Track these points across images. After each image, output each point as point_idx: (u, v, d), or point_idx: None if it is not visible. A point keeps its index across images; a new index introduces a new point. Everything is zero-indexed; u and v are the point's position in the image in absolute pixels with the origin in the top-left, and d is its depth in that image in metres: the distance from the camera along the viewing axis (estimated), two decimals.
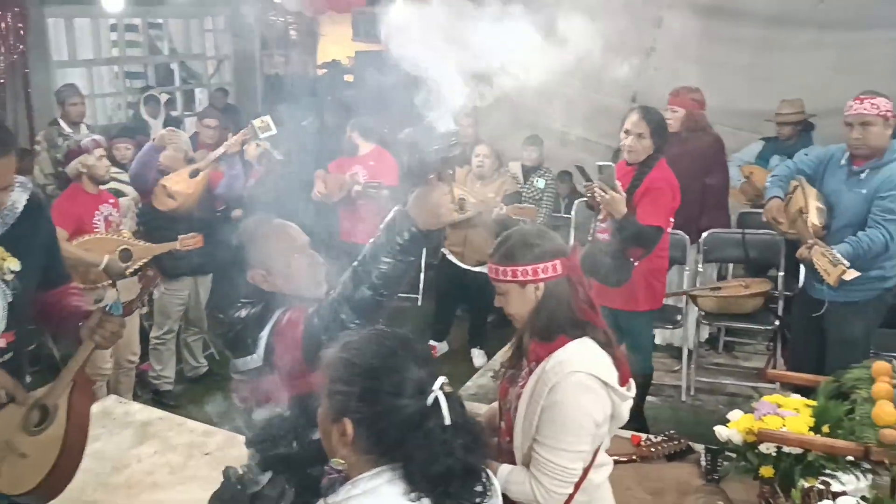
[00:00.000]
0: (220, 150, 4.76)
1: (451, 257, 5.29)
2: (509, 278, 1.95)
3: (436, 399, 1.30)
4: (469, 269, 5.11)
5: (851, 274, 3.24)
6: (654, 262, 3.70)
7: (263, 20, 11.12)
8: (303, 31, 14.39)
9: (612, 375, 1.91)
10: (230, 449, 3.09)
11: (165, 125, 6.77)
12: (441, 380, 1.33)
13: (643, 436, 3.34)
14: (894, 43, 5.77)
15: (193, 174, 4.65)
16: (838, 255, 3.26)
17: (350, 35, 14.52)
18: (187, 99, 9.74)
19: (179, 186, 4.56)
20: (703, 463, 3.03)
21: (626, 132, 3.63)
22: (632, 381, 2.00)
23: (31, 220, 2.13)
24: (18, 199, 2.10)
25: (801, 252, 3.43)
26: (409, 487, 1.28)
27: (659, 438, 3.25)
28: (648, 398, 4.16)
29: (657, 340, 4.78)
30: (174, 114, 8.77)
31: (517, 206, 4.89)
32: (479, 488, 1.33)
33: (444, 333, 5.48)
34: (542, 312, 1.94)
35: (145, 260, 4.23)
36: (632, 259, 3.57)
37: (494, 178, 5.15)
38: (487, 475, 1.37)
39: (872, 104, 3.34)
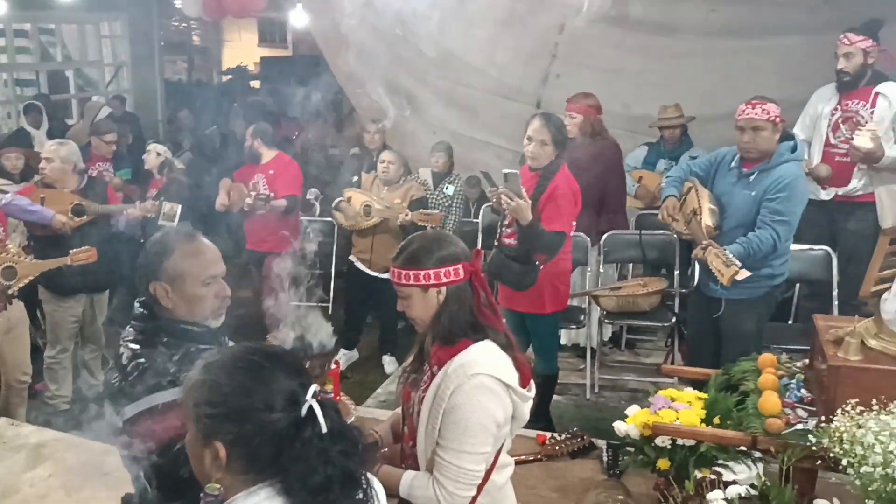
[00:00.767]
0: (118, 212, 4.84)
1: (358, 264, 5.27)
2: (412, 282, 1.96)
3: (310, 408, 1.28)
4: (377, 276, 5.09)
5: (743, 274, 3.37)
6: (558, 266, 3.78)
7: (164, 25, 10.84)
8: (206, 36, 14.13)
9: (512, 377, 1.94)
10: None
11: (50, 135, 6.49)
12: (313, 388, 1.31)
13: (548, 435, 3.40)
14: (780, 50, 6.07)
15: (78, 212, 4.51)
16: (731, 256, 3.38)
17: (256, 41, 14.35)
18: (83, 107, 9.36)
19: (66, 219, 4.45)
20: (605, 458, 3.11)
21: (529, 139, 3.70)
22: (532, 382, 2.03)
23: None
24: None
25: (697, 253, 3.55)
26: (288, 501, 1.26)
27: (563, 436, 3.31)
28: (555, 397, 4.24)
29: (562, 340, 4.88)
30: (70, 122, 8.44)
31: (423, 212, 4.91)
32: (359, 495, 1.32)
33: (355, 341, 5.45)
34: (444, 316, 1.95)
35: (31, 277, 4.05)
36: (537, 263, 3.64)
37: (401, 185, 5.16)
38: (368, 480, 1.36)
39: (763, 109, 3.48)
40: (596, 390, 4.71)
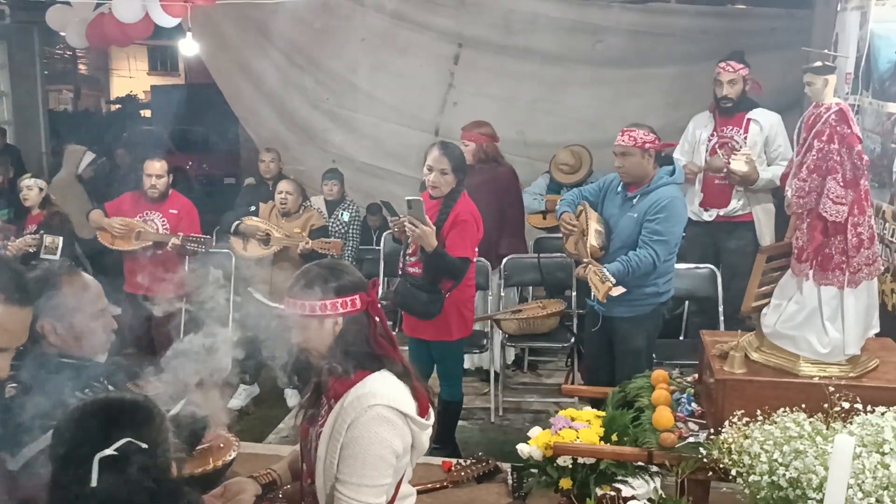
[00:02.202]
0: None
1: (257, 295, 5.14)
2: (307, 312, 1.93)
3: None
4: (277, 307, 4.99)
5: (618, 290, 3.56)
6: (463, 292, 3.83)
7: (48, 54, 10.41)
8: (93, 65, 13.65)
9: (410, 406, 1.93)
10: None
11: None
12: (122, 441, 1.37)
13: (454, 461, 3.40)
14: (662, 79, 6.38)
15: None
16: (607, 273, 3.56)
17: (146, 69, 13.97)
18: None
19: None
20: (510, 481, 3.13)
21: (429, 168, 3.74)
22: (431, 411, 2.03)
23: None
24: None
25: (578, 271, 3.72)
26: None
27: (468, 462, 3.32)
28: (460, 422, 4.26)
29: (466, 365, 4.91)
30: None
31: (323, 241, 4.87)
32: None
33: (256, 375, 5.32)
34: (340, 347, 1.94)
35: None
36: (443, 291, 3.67)
37: (300, 214, 5.10)
38: None
39: (630, 136, 3.68)
40: (500, 413, 4.75)
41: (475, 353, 4.77)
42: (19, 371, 1.89)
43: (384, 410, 1.87)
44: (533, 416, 4.62)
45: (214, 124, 8.39)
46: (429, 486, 3.09)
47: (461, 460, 3.39)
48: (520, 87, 6.68)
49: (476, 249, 3.82)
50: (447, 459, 3.50)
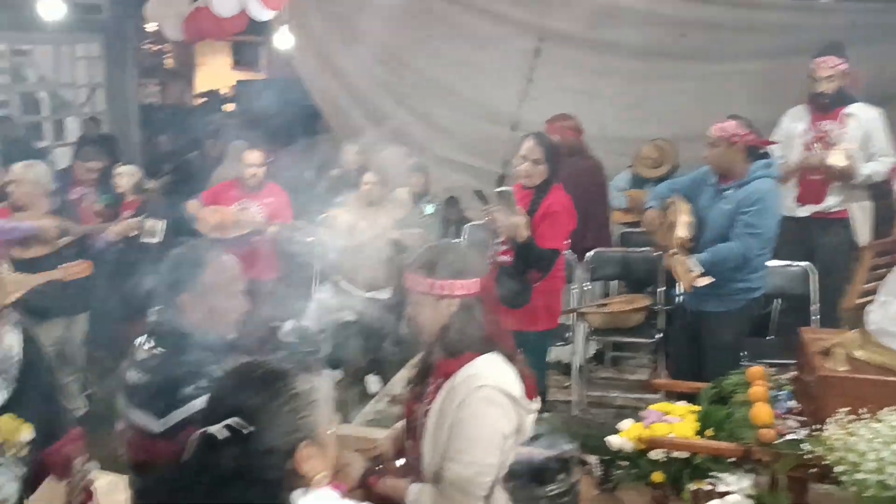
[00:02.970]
0: (99, 231, 4.84)
1: (343, 284, 5.26)
2: (425, 290, 1.97)
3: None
4: (361, 295, 5.09)
5: (703, 280, 3.52)
6: (551, 283, 3.81)
7: (139, 48, 10.80)
8: (179, 60, 14.07)
9: (518, 389, 1.96)
10: (116, 494, 2.95)
11: (5, 159, 6.34)
12: (232, 420, 1.36)
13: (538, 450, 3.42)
14: (748, 74, 6.23)
15: (61, 235, 4.49)
16: (693, 263, 3.55)
17: (230, 64, 14.32)
18: (56, 128, 9.26)
19: (50, 224, 4.41)
20: (597, 473, 3.14)
21: (523, 157, 3.75)
22: (537, 396, 2.05)
23: (31, 363, 1.66)
24: (12, 341, 1.62)
25: (666, 260, 3.70)
26: None
27: (554, 452, 3.33)
28: (541, 414, 4.26)
29: (548, 358, 4.91)
30: (42, 145, 8.33)
31: (407, 231, 4.94)
32: None
33: (338, 361, 5.42)
34: (453, 328, 1.96)
35: (19, 294, 3.94)
36: (531, 281, 3.68)
37: (384, 204, 5.17)
38: None
39: (720, 128, 3.66)
40: (583, 406, 4.74)
41: (558, 345, 4.76)
42: (162, 340, 2.02)
43: (493, 392, 1.90)
44: (616, 411, 4.58)
45: (295, 118, 8.56)
46: None
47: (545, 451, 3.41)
48: (601, 81, 6.62)
49: (567, 241, 3.81)
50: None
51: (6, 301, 3.83)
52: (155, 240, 4.95)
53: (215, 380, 1.92)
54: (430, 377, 2.06)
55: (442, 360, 2.00)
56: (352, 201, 5.26)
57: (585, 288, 4.94)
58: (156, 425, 1.98)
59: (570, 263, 4.71)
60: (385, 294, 5.11)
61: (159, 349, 2.03)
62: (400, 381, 4.62)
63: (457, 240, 5.38)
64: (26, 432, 1.57)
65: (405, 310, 2.08)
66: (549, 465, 2.17)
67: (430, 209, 5.50)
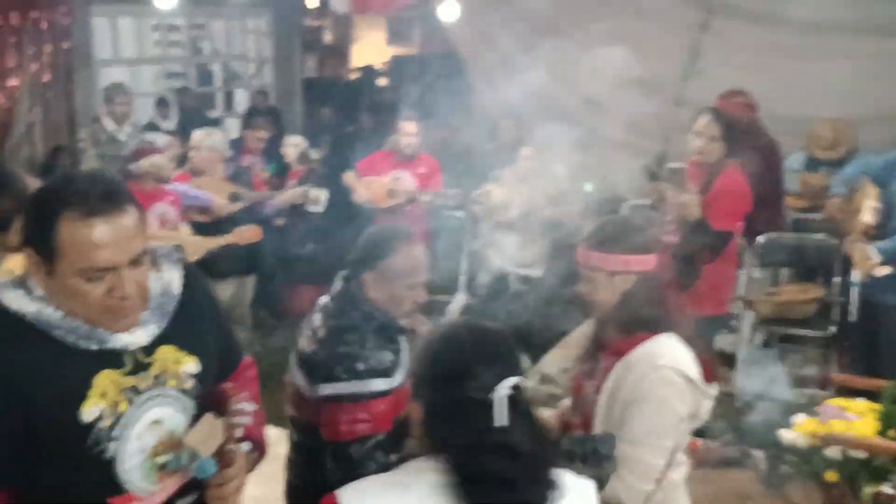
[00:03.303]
0: (268, 199, 5.05)
1: (496, 259, 5.27)
2: (599, 266, 1.92)
3: (497, 398, 1.30)
4: (514, 270, 5.09)
5: (883, 270, 3.26)
6: (721, 267, 3.63)
7: (302, 24, 11.22)
8: (337, 34, 14.52)
9: (696, 372, 1.88)
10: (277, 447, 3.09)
11: (182, 127, 6.76)
12: (510, 381, 1.31)
13: (699, 440, 3.31)
14: None
15: (233, 199, 4.74)
16: (873, 251, 3.30)
17: (385, 39, 14.63)
18: (227, 100, 9.82)
19: (225, 202, 4.69)
20: (763, 469, 3.01)
21: (697, 134, 3.59)
22: (714, 381, 1.97)
23: (194, 301, 1.61)
24: (171, 277, 1.58)
25: (846, 245, 3.47)
26: (447, 479, 1.29)
27: (716, 444, 3.23)
28: None
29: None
30: (214, 115, 8.86)
31: (564, 210, 4.89)
32: (525, 495, 1.30)
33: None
34: (629, 305, 1.91)
35: (198, 256, 4.20)
36: (700, 263, 3.53)
37: (541, 181, 5.12)
38: (548, 489, 1.33)
39: None
40: (745, 399, 4.53)
41: (722, 332, 4.56)
42: (337, 311, 2.11)
43: (671, 373, 1.84)
44: (782, 405, 4.35)
45: (447, 93, 8.64)
46: None
47: (708, 441, 3.30)
48: (771, 57, 6.24)
49: (740, 224, 3.62)
50: (692, 438, 3.41)
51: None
52: (318, 209, 5.17)
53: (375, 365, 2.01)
54: (601, 354, 2.01)
55: (616, 337, 1.94)
56: (507, 176, 5.25)
57: (754, 275, 4.69)
58: (308, 391, 2.08)
59: (741, 247, 4.48)
60: (537, 271, 5.08)
61: (332, 321, 2.09)
62: (552, 359, 4.58)
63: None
64: (189, 364, 1.56)
65: (557, 286, 2.05)
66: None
67: (588, 187, 5.40)
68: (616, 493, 1.84)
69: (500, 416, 1.28)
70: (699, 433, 3.75)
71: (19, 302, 1.41)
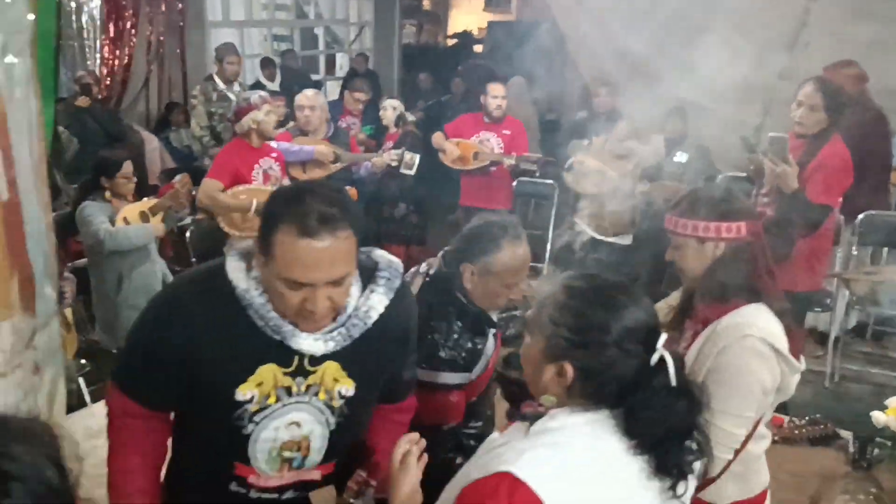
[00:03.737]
0: (368, 161, 5.17)
1: (582, 226, 5.25)
2: (689, 232, 1.91)
3: (661, 358, 1.29)
4: (602, 239, 5.07)
5: None
6: (817, 242, 3.53)
7: None
8: (435, 1, 14.55)
9: (784, 344, 1.85)
10: None
11: (286, 88, 6.94)
12: (664, 337, 1.31)
13: (786, 418, 3.27)
14: None
15: (334, 159, 4.89)
16: None
17: (482, 5, 14.56)
18: (329, 62, 10.03)
19: (327, 150, 4.84)
20: (851, 450, 2.95)
21: (799, 103, 3.48)
22: (802, 356, 1.93)
23: (386, 333, 1.62)
24: (376, 304, 1.60)
25: None
26: (627, 438, 1.28)
27: (803, 421, 3.18)
28: None
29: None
30: (316, 77, 9.07)
31: (661, 184, 4.82)
32: (692, 455, 1.32)
33: None
34: (718, 273, 1.89)
35: None
36: (795, 237, 3.44)
37: (635, 152, 5.06)
38: (700, 439, 1.34)
39: None
40: (836, 379, 4.42)
41: (815, 311, 4.45)
42: (430, 291, 2.16)
43: (758, 343, 1.82)
44: (875, 388, 4.22)
45: (542, 59, 8.56)
46: None
47: (794, 419, 3.26)
48: (886, 28, 5.91)
49: (840, 199, 3.49)
50: (777, 415, 3.37)
51: None
52: (411, 172, 5.28)
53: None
54: (688, 322, 2.00)
55: (704, 305, 1.93)
56: (600, 146, 5.20)
57: (853, 252, 4.54)
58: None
59: (837, 224, 4.34)
60: (626, 240, 5.05)
61: (422, 302, 2.06)
62: None
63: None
64: (345, 386, 1.65)
65: (647, 256, 2.04)
66: None
67: (681, 157, 5.30)
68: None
69: (673, 377, 1.28)
70: (786, 410, 3.72)
71: (237, 274, 1.54)
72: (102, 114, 6.39)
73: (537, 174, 6.33)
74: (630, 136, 5.10)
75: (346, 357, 1.59)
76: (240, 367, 1.55)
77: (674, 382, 1.28)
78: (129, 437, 1.65)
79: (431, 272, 2.23)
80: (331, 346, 1.56)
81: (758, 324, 1.84)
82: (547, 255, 6.29)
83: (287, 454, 1.63)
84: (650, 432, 1.27)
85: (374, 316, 1.59)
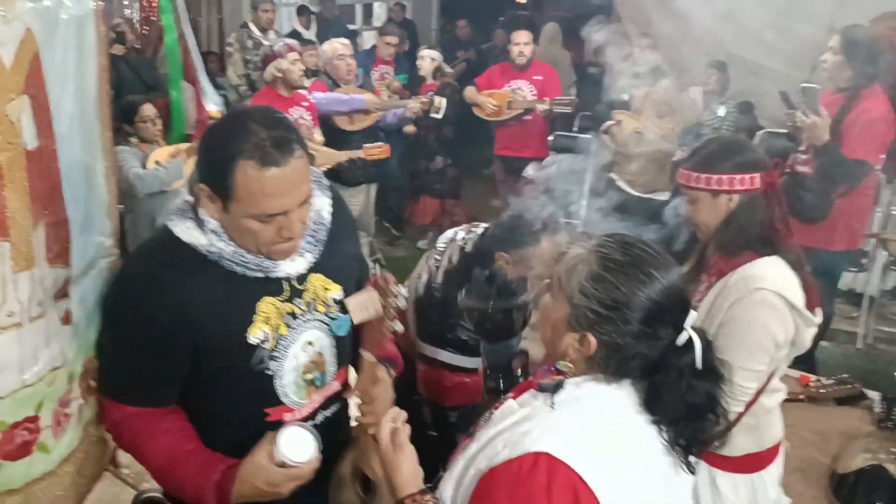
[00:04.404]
0: (401, 108, 5.06)
1: (620, 182, 5.19)
2: (702, 186, 1.88)
3: (689, 339, 1.26)
4: (640, 195, 5.00)
5: None
6: (856, 201, 3.40)
7: None
8: None
9: (798, 297, 1.82)
10: None
11: (322, 37, 6.89)
12: (692, 316, 1.28)
13: (812, 377, 3.24)
14: None
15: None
16: None
17: None
18: (366, 12, 9.93)
19: (377, 100, 4.86)
20: (877, 410, 2.92)
21: (832, 51, 3.35)
22: (818, 309, 1.89)
23: (340, 227, 1.68)
24: (322, 206, 1.64)
25: None
26: (647, 413, 1.27)
27: (830, 380, 3.15)
28: (822, 342, 4.00)
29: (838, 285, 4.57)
30: (352, 27, 9.01)
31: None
32: (709, 430, 1.30)
33: None
34: (732, 226, 1.86)
35: (328, 166, 4.36)
36: (832, 195, 3.34)
37: (675, 109, 4.94)
38: (718, 415, 1.31)
39: None
40: (869, 340, 4.34)
41: (851, 271, 4.34)
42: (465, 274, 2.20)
43: (771, 296, 1.79)
44: None
45: (581, 12, 8.36)
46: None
47: (822, 378, 3.22)
48: None
49: (882, 156, 3.37)
50: (805, 374, 3.34)
51: (320, 170, 4.31)
52: (439, 116, 5.25)
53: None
54: (702, 276, 1.97)
55: (718, 258, 1.90)
56: (639, 104, 5.08)
57: (892, 212, 4.41)
58: (413, 336, 2.20)
59: (878, 182, 4.20)
60: (664, 195, 4.98)
61: (454, 283, 2.15)
62: None
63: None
64: (335, 291, 1.66)
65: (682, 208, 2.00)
66: None
67: (721, 111, 5.18)
68: None
69: (699, 359, 1.25)
70: (815, 369, 3.67)
71: (190, 234, 1.50)
72: (138, 62, 6.44)
73: (573, 116, 6.20)
74: (671, 94, 4.97)
75: (323, 265, 1.62)
76: (240, 315, 1.54)
77: (699, 364, 1.25)
78: (143, 431, 1.58)
79: (468, 248, 2.26)
80: (310, 259, 1.59)
81: (770, 276, 1.81)
82: (583, 211, 6.22)
83: (309, 376, 1.66)
84: (671, 410, 1.25)
85: (327, 216, 1.63)
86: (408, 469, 1.37)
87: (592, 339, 1.27)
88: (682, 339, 1.25)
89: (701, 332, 1.28)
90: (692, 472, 1.30)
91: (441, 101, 5.27)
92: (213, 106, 4.17)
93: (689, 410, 1.25)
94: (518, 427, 1.27)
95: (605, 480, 1.19)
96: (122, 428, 1.60)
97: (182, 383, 1.59)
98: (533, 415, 1.28)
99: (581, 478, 1.18)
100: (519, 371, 1.73)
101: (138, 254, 1.69)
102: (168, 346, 1.52)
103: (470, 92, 5.44)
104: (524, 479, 1.19)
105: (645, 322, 1.25)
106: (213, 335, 1.52)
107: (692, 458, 1.31)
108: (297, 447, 1.48)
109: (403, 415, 1.45)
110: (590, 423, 1.25)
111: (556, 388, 1.29)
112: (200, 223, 1.51)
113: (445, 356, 2.19)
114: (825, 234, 3.40)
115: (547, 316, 1.36)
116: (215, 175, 1.43)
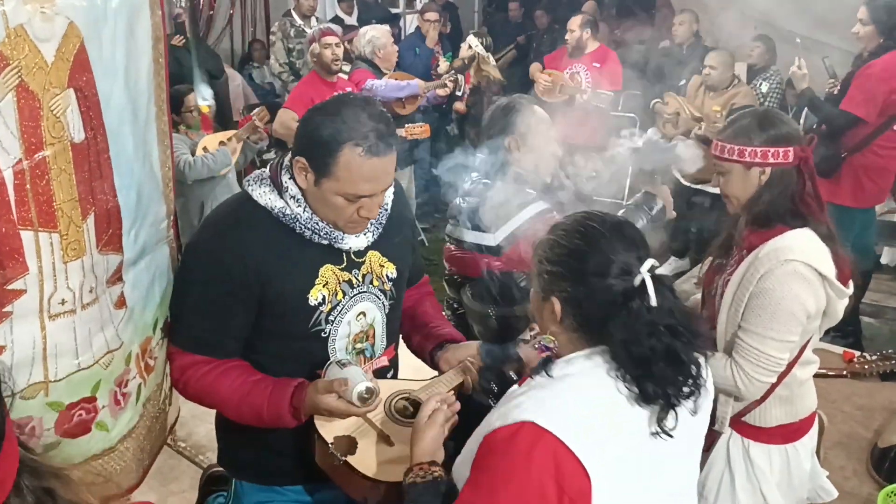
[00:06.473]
0: (438, 87, 5.09)
1: (675, 174, 5.13)
2: (735, 158, 1.89)
3: (643, 281, 1.28)
4: (688, 187, 4.96)
5: None
6: (867, 158, 3.45)
7: None
8: None
9: (829, 268, 1.83)
10: None
11: (364, 22, 6.95)
12: (649, 262, 1.30)
13: (856, 353, 3.22)
14: None
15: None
16: None
17: None
18: None
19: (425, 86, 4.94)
20: None
21: (861, 22, 3.51)
22: (850, 282, 1.89)
23: (399, 213, 1.84)
24: (387, 192, 1.75)
25: None
26: (613, 366, 1.30)
27: (874, 356, 3.12)
28: (867, 319, 3.96)
29: (884, 260, 4.49)
30: (395, 11, 9.04)
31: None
32: (684, 378, 1.30)
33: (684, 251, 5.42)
34: (764, 198, 1.87)
35: None
36: (838, 149, 3.37)
37: (727, 90, 4.85)
38: (698, 369, 1.33)
39: None
40: None
41: (894, 246, 4.26)
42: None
43: (801, 267, 1.80)
44: None
45: None
46: (826, 371, 2.99)
47: (865, 353, 3.20)
48: None
49: (875, 111, 3.37)
50: (849, 350, 3.32)
51: None
52: (460, 94, 5.31)
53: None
54: (733, 250, 1.99)
55: (749, 231, 1.92)
56: (694, 89, 4.99)
57: None
58: (491, 239, 2.25)
59: None
60: (713, 189, 4.93)
61: (484, 180, 2.29)
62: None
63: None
64: (389, 269, 1.80)
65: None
66: None
67: (764, 87, 5.09)
68: (735, 382, 1.86)
69: (653, 297, 1.27)
70: (860, 345, 3.63)
71: (266, 197, 1.65)
72: (200, 50, 6.58)
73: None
74: (721, 73, 4.88)
75: (381, 245, 1.78)
76: (304, 276, 1.67)
77: (654, 302, 1.27)
78: (211, 372, 1.68)
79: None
80: (370, 238, 1.74)
81: (801, 248, 1.82)
82: (626, 192, 6.16)
83: (360, 345, 1.78)
84: (630, 352, 1.27)
85: (389, 202, 1.79)
86: (428, 443, 1.49)
87: (556, 302, 1.35)
88: (637, 281, 1.29)
89: (659, 276, 1.31)
90: (670, 436, 1.30)
91: (461, 80, 5.32)
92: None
93: (651, 352, 1.27)
94: (511, 401, 1.33)
95: (592, 450, 1.23)
96: (189, 374, 1.70)
97: (247, 335, 1.71)
98: (525, 391, 1.34)
99: (565, 445, 1.22)
100: (513, 374, 1.79)
101: (217, 212, 1.82)
102: (237, 298, 1.65)
103: (533, 67, 5.52)
104: (507, 446, 1.25)
105: (596, 273, 1.31)
106: (278, 291, 1.64)
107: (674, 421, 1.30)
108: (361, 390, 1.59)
109: (456, 406, 1.58)
110: (578, 395, 1.30)
111: (544, 364, 1.37)
112: (279, 188, 1.66)
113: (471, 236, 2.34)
114: (835, 188, 3.45)
115: (532, 302, 1.44)
116: (320, 154, 1.57)
